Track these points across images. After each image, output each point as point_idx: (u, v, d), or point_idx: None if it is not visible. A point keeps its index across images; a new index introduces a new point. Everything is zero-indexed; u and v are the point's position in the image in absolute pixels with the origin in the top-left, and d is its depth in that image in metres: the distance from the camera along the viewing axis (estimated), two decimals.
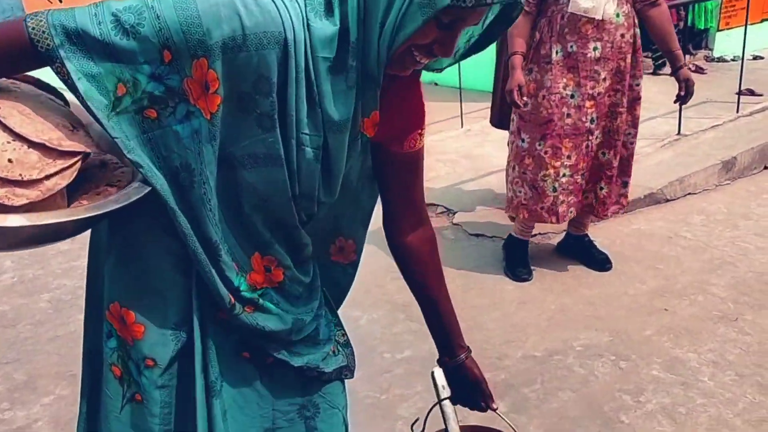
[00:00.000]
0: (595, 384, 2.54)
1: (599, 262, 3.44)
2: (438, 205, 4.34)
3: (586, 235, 3.54)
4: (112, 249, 1.20)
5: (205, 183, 1.10)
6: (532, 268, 3.43)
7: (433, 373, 1.65)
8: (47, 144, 1.02)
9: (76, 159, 1.06)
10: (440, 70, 1.31)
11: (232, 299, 1.19)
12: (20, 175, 1.00)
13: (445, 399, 1.59)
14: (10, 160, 1.00)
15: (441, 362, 1.54)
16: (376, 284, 3.37)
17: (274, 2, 1.05)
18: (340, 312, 1.52)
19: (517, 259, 3.43)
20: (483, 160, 4.98)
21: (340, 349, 1.50)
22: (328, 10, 1.09)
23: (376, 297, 3.25)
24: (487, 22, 1.21)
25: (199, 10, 1.00)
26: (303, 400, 1.40)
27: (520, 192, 3.25)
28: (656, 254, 3.54)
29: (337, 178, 1.22)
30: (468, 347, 1.53)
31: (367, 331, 2.96)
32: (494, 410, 1.54)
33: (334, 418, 1.46)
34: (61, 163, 1.04)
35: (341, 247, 1.48)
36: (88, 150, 1.08)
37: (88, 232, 1.25)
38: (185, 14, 1.00)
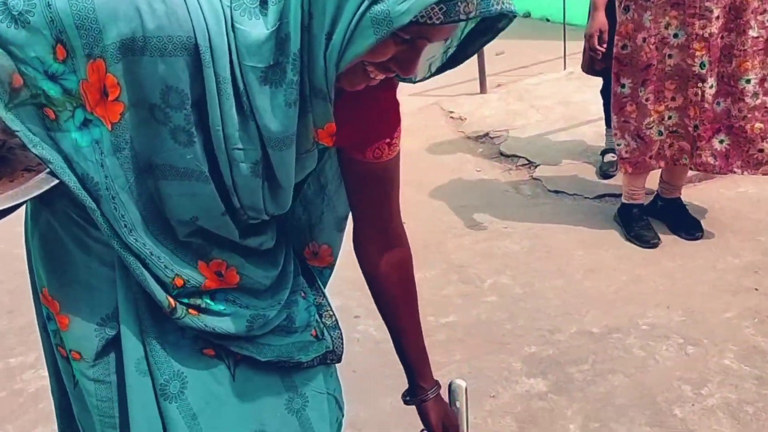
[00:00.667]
0: (653, 369, 2.29)
1: (688, 228, 3.07)
2: (520, 157, 4.07)
3: (679, 198, 3.17)
4: (35, 232, 1.13)
5: (114, 198, 0.98)
6: (612, 231, 3.14)
7: (451, 384, 1.51)
8: None
9: None
10: (412, 81, 1.14)
11: (172, 303, 1.08)
12: None
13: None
14: None
15: (403, 396, 1.41)
16: (436, 241, 3.23)
17: (186, 1, 0.91)
18: None
19: (639, 223, 3.09)
20: (580, 108, 4.58)
21: (326, 332, 1.39)
22: (262, 6, 0.92)
23: (432, 255, 3.11)
24: (465, 32, 1.03)
25: (95, 2, 0.88)
26: (288, 394, 1.29)
27: (619, 144, 2.92)
28: (759, 224, 3.11)
29: (286, 191, 1.08)
30: (434, 386, 1.36)
31: (446, 255, 2.85)
32: None
33: (324, 404, 1.36)
34: None
35: (314, 252, 1.36)
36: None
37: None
38: (79, 5, 0.87)
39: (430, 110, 5.16)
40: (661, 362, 2.32)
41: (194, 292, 1.12)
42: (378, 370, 2.37)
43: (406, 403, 1.38)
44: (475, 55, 5.29)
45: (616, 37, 2.77)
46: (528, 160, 4.01)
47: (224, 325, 1.14)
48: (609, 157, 3.65)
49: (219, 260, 1.13)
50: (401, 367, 2.35)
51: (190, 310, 1.11)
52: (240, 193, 1.04)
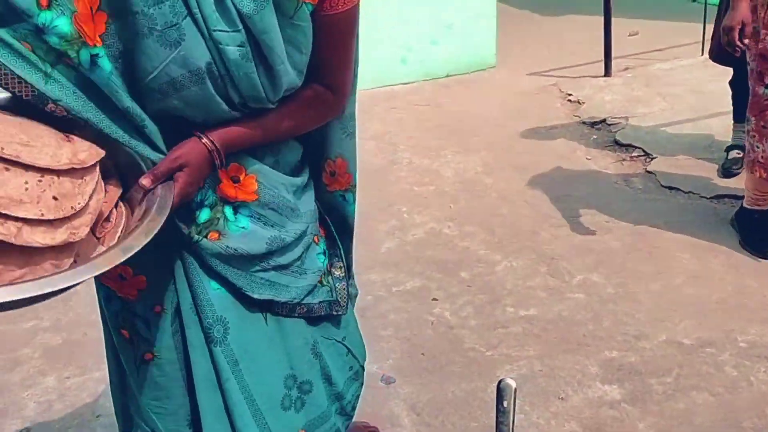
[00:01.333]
0: (744, 392, 2.10)
1: None
2: (636, 147, 3.82)
3: None
4: None
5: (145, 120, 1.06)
6: (725, 235, 2.89)
7: (500, 383, 1.46)
8: (74, 166, 0.98)
9: (95, 167, 1.03)
10: None
11: (186, 228, 1.17)
12: (71, 207, 0.96)
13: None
14: (55, 198, 0.94)
15: None
16: (530, 230, 3.12)
17: None
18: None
19: (757, 231, 2.83)
20: (712, 98, 4.21)
21: (330, 281, 1.42)
22: None
23: (523, 243, 3.01)
24: None
25: None
26: (310, 339, 1.38)
27: (758, 147, 2.66)
28: None
29: (281, 72, 1.09)
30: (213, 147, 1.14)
31: (498, 279, 2.77)
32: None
33: (332, 348, 1.44)
34: (89, 179, 1.01)
35: (332, 171, 1.38)
36: (101, 152, 1.04)
37: None
38: None
39: (547, 92, 4.96)
40: (756, 385, 2.12)
41: (215, 205, 1.17)
42: (447, 355, 2.35)
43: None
44: (602, 35, 5.04)
45: (762, 31, 2.49)
46: (644, 151, 3.76)
47: (244, 245, 1.20)
48: (734, 153, 3.34)
49: (236, 164, 1.17)
50: (473, 355, 2.34)
51: (210, 234, 1.18)
52: (237, 83, 1.06)
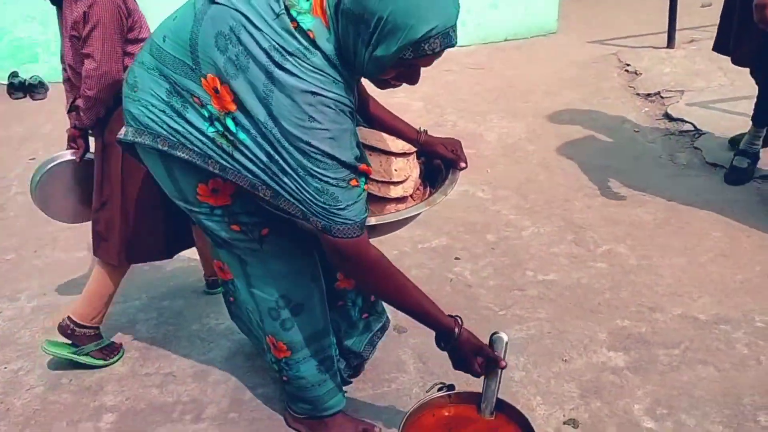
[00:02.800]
0: (752, 370, 2.10)
1: None
2: (686, 122, 3.74)
3: None
4: None
5: None
6: (764, 216, 2.83)
7: (492, 335, 1.69)
8: (405, 151, 1.67)
9: (414, 153, 1.72)
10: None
11: None
12: (405, 175, 1.65)
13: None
14: (395, 170, 1.63)
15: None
16: (563, 198, 3.14)
17: None
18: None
19: None
20: None
21: None
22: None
23: (554, 211, 3.03)
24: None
25: None
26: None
27: None
28: None
29: None
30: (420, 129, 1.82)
31: (523, 244, 2.81)
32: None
33: None
34: (412, 159, 1.71)
35: None
36: (414, 148, 1.73)
37: None
38: None
39: (606, 61, 4.85)
40: (765, 364, 2.11)
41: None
42: (460, 311, 2.38)
43: (420, 147, 1.79)
44: (667, 4, 4.88)
45: None
46: (694, 126, 3.67)
47: None
48: (743, 162, 3.20)
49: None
50: (486, 313, 2.42)
51: None
52: None
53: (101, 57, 2.03)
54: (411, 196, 1.72)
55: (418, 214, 1.64)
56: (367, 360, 2.12)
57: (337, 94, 1.32)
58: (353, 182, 1.39)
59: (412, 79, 1.38)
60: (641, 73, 4.49)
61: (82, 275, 2.80)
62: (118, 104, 1.90)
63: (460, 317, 1.64)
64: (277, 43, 1.30)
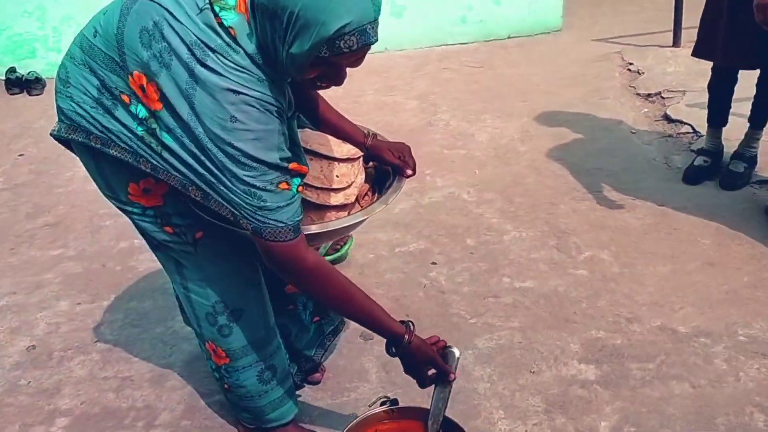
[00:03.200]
0: (728, 387, 1.99)
1: None
2: (685, 123, 3.61)
3: None
4: None
5: None
6: (758, 225, 2.71)
7: (445, 349, 1.64)
8: (350, 157, 1.62)
9: (359, 159, 1.67)
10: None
11: None
12: (346, 182, 1.59)
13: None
14: (337, 176, 1.58)
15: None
16: (549, 201, 3.04)
17: None
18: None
19: None
20: None
21: None
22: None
23: (538, 215, 2.93)
24: None
25: None
26: None
27: None
28: None
29: None
30: (369, 132, 1.74)
31: (502, 249, 2.72)
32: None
33: None
34: (357, 165, 1.65)
35: None
36: (362, 152, 1.68)
37: None
38: None
39: (609, 59, 4.73)
40: (743, 381, 2.01)
41: None
42: (431, 319, 2.35)
43: (366, 152, 1.72)
44: (672, 2, 4.73)
45: None
46: (693, 128, 3.54)
47: None
48: (739, 166, 3.07)
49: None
50: (456, 321, 2.34)
51: None
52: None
53: None
54: (358, 202, 1.66)
55: (358, 223, 1.57)
56: (320, 364, 2.05)
57: (261, 92, 1.26)
58: (282, 185, 1.32)
59: (336, 79, 1.30)
60: (643, 73, 4.36)
61: (53, 274, 2.77)
62: None
63: (412, 322, 1.56)
64: (200, 39, 1.24)
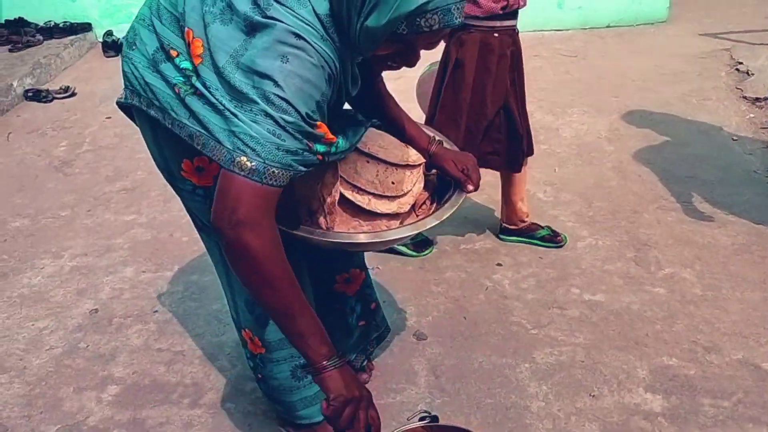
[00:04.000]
0: None
1: None
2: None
3: None
4: None
5: None
6: None
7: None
8: (409, 163, 1.49)
9: (420, 166, 1.53)
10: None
11: None
12: (401, 190, 1.47)
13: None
14: (392, 182, 1.46)
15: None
16: (632, 209, 2.85)
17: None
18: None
19: None
20: None
21: None
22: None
23: (618, 223, 2.75)
24: None
25: None
26: None
27: None
28: None
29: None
30: (434, 138, 1.62)
31: (575, 256, 2.56)
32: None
33: None
34: (416, 173, 1.52)
35: None
36: (424, 159, 1.55)
37: None
38: None
39: (716, 56, 4.38)
40: None
41: None
42: (489, 324, 2.24)
43: (429, 159, 1.60)
44: None
45: None
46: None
47: None
48: None
49: None
50: (516, 330, 2.23)
51: None
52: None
53: None
54: (414, 211, 1.56)
55: (403, 237, 1.48)
56: (360, 369, 1.99)
57: (321, 47, 1.16)
58: (310, 144, 1.20)
59: (410, 60, 1.21)
60: (753, 74, 4.00)
61: (123, 239, 2.83)
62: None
63: (342, 354, 1.30)
64: None
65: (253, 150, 1.14)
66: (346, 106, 1.51)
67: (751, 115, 3.58)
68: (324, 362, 1.23)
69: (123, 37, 1.86)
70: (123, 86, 1.48)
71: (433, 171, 1.63)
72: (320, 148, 1.24)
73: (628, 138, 3.45)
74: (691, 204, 2.84)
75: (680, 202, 2.87)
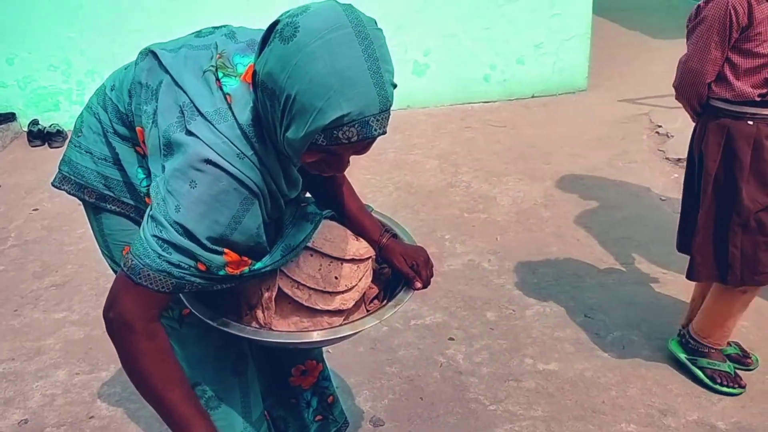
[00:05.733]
0: None
1: None
2: None
3: None
4: None
5: None
6: None
7: None
8: (354, 258, 1.39)
9: (369, 260, 1.44)
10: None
11: None
12: (345, 285, 1.37)
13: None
14: (336, 277, 1.36)
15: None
16: (574, 273, 2.90)
17: None
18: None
19: None
20: None
21: None
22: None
23: (563, 288, 2.78)
24: None
25: None
26: None
27: None
28: None
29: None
30: (384, 230, 1.53)
31: (525, 325, 2.56)
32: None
33: None
34: (363, 267, 1.42)
35: None
36: (373, 252, 1.46)
37: None
38: None
39: (636, 121, 4.61)
40: None
41: None
42: (446, 404, 2.19)
43: (378, 252, 1.51)
44: None
45: None
46: None
47: None
48: None
49: None
50: (474, 407, 2.17)
51: None
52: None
53: (692, 52, 2.04)
54: (365, 306, 1.49)
55: (342, 338, 1.40)
56: None
57: (236, 169, 1.13)
58: (200, 265, 1.17)
59: (337, 167, 1.17)
60: (673, 136, 4.22)
61: (54, 340, 2.66)
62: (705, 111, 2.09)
63: None
64: (193, 102, 1.17)
65: (137, 249, 1.15)
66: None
67: (675, 175, 3.75)
68: None
69: (50, 126, 1.81)
70: (58, 169, 1.48)
71: (384, 265, 1.55)
72: (221, 272, 1.20)
73: (563, 203, 3.54)
74: (631, 265, 2.91)
75: (620, 264, 2.94)
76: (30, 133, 4.94)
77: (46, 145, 4.91)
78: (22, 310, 2.90)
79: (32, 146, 4.91)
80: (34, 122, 4.99)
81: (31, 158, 4.71)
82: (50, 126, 4.95)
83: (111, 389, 2.36)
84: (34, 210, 3.90)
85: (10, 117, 5.08)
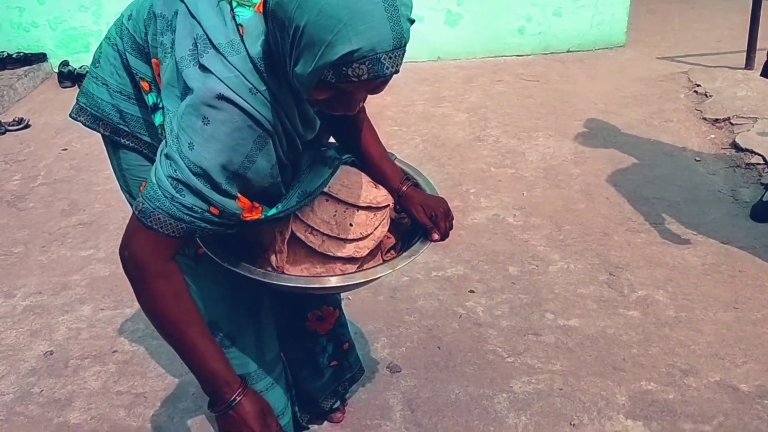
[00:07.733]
0: None
1: None
2: (756, 153, 3.33)
3: None
4: None
5: None
6: None
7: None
8: (371, 205, 1.37)
9: (386, 208, 1.40)
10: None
11: None
12: (360, 233, 1.34)
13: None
14: (350, 224, 1.34)
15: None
16: (601, 231, 2.83)
17: None
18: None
19: None
20: None
21: None
22: None
23: (589, 246, 2.73)
24: None
25: None
26: None
27: None
28: None
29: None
30: (406, 179, 1.49)
31: (547, 281, 2.52)
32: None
33: None
34: (380, 215, 1.39)
35: None
36: (391, 200, 1.43)
37: None
38: None
39: (674, 79, 4.46)
40: None
41: None
42: (464, 354, 2.18)
43: (397, 201, 1.47)
44: (748, 20, 4.46)
45: None
46: (765, 159, 3.27)
47: None
48: None
49: None
50: (492, 359, 2.17)
51: None
52: None
53: None
54: (382, 256, 1.45)
55: (354, 285, 1.37)
56: (330, 412, 1.90)
57: (248, 104, 1.10)
58: (213, 209, 1.15)
59: (347, 106, 1.11)
60: (711, 95, 4.08)
61: (80, 276, 2.71)
62: None
63: (245, 380, 1.29)
64: (206, 33, 1.13)
65: (149, 192, 1.13)
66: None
67: (712, 136, 3.63)
68: (238, 396, 1.21)
69: (80, 68, 1.81)
70: (75, 101, 1.46)
71: (403, 214, 1.51)
72: (234, 217, 1.19)
73: (594, 160, 3.46)
74: (660, 225, 2.85)
75: (649, 223, 2.87)
76: (60, 74, 4.97)
77: (76, 86, 4.93)
78: (50, 247, 2.95)
79: (62, 87, 4.94)
80: (65, 63, 5.00)
81: (61, 99, 4.74)
82: (80, 68, 4.97)
83: (134, 325, 2.40)
84: (63, 150, 3.94)
85: (41, 57, 5.11)
